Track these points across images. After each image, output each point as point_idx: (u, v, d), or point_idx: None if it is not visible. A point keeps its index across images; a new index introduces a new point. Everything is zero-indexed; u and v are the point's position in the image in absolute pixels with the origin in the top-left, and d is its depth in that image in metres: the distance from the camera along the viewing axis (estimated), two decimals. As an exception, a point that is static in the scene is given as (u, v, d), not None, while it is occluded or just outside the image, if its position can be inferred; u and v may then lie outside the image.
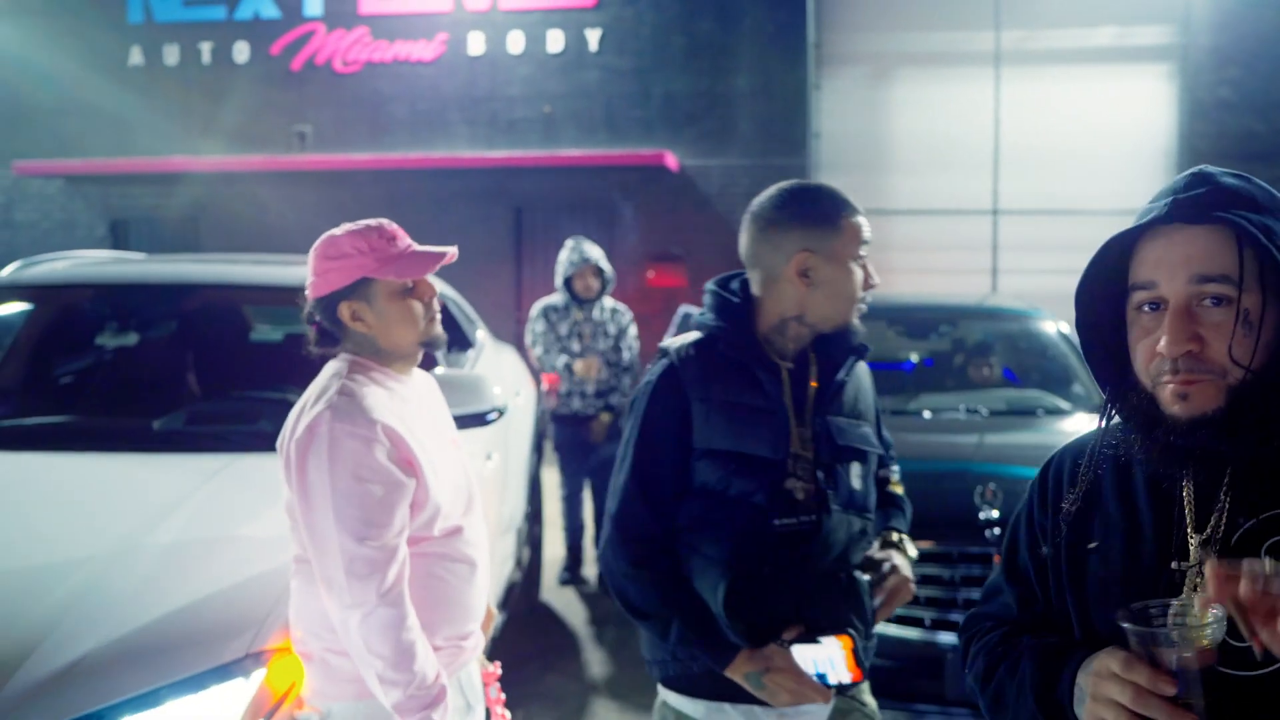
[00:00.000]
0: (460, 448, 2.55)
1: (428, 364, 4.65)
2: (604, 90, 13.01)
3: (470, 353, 5.60)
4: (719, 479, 2.24)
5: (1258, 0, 12.17)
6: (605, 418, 6.55)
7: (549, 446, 6.79)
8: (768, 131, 12.75)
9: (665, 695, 2.38)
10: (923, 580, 3.80)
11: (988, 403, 5.77)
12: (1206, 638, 1.22)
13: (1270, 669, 1.26)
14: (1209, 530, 1.33)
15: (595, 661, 5.51)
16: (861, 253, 2.29)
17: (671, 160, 12.59)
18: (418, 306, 2.35)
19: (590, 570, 6.79)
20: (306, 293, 2.35)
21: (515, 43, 13.11)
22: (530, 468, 6.12)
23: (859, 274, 2.29)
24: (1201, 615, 1.23)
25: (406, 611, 2.16)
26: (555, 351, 6.53)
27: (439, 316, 2.41)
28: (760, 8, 12.74)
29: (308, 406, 2.25)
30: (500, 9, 13.12)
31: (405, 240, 2.37)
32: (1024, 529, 1.56)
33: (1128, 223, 1.41)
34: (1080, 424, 5.64)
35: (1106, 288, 1.40)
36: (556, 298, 6.63)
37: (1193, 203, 1.32)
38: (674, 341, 2.37)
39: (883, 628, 2.93)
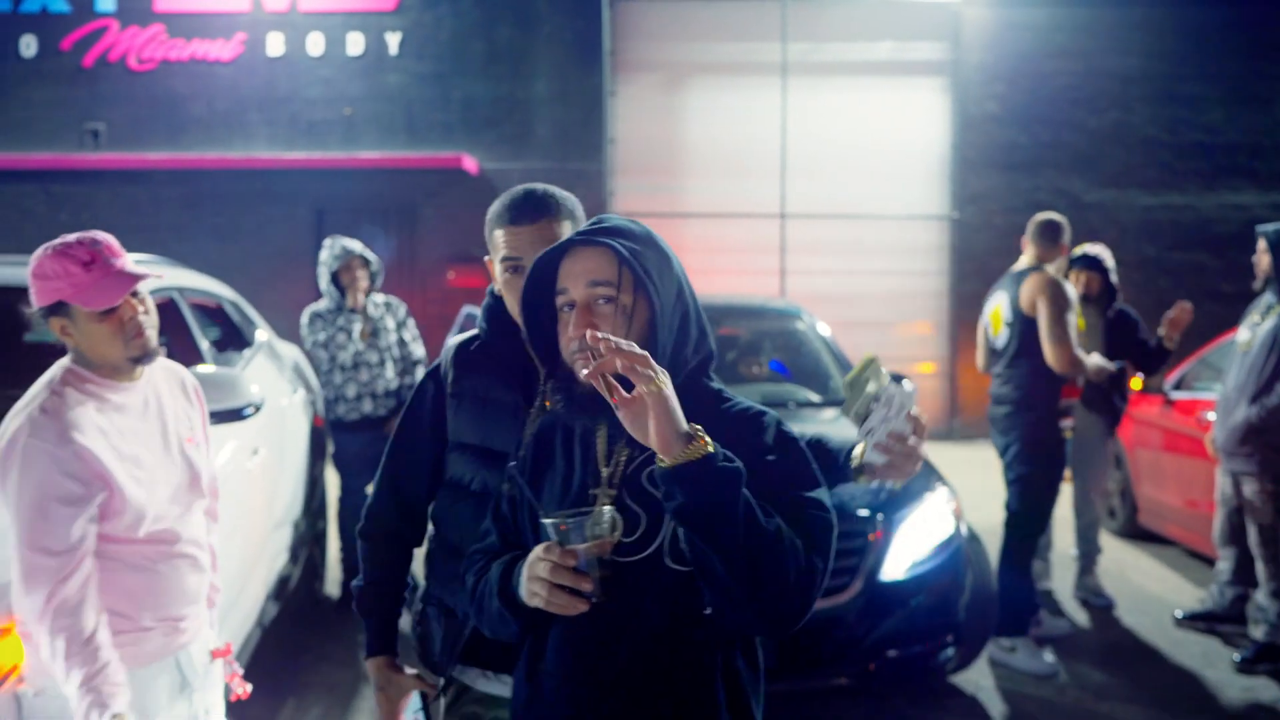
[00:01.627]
0: (200, 446, 2.75)
1: (193, 361, 4.81)
2: (404, 93, 13.11)
3: (246, 352, 5.74)
4: (465, 472, 2.27)
5: (1020, 23, 13.09)
6: None
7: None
8: (565, 136, 13.07)
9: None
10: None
11: (744, 396, 6.14)
12: (597, 532, 1.72)
13: (642, 555, 1.79)
14: (613, 463, 1.87)
15: (370, 650, 5.67)
16: (500, 258, 2.26)
17: (470, 163, 12.78)
18: (120, 326, 2.48)
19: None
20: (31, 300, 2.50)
21: (315, 44, 13.10)
22: (309, 464, 6.24)
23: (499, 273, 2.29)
24: (596, 517, 1.74)
25: (81, 624, 2.33)
26: (331, 354, 6.24)
27: (149, 332, 2.53)
28: (558, 15, 13.06)
29: (17, 412, 2.42)
30: (300, 10, 13.09)
31: (107, 259, 2.48)
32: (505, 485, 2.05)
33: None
34: (828, 416, 6.09)
35: (547, 295, 1.89)
36: (324, 302, 6.32)
37: (591, 233, 1.85)
38: (451, 340, 2.43)
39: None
